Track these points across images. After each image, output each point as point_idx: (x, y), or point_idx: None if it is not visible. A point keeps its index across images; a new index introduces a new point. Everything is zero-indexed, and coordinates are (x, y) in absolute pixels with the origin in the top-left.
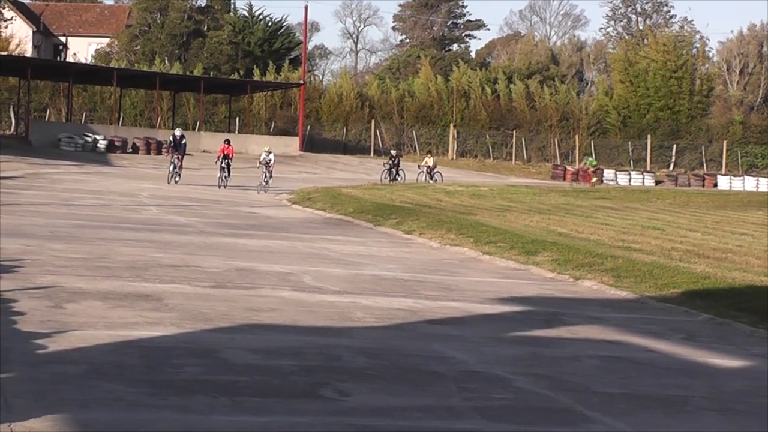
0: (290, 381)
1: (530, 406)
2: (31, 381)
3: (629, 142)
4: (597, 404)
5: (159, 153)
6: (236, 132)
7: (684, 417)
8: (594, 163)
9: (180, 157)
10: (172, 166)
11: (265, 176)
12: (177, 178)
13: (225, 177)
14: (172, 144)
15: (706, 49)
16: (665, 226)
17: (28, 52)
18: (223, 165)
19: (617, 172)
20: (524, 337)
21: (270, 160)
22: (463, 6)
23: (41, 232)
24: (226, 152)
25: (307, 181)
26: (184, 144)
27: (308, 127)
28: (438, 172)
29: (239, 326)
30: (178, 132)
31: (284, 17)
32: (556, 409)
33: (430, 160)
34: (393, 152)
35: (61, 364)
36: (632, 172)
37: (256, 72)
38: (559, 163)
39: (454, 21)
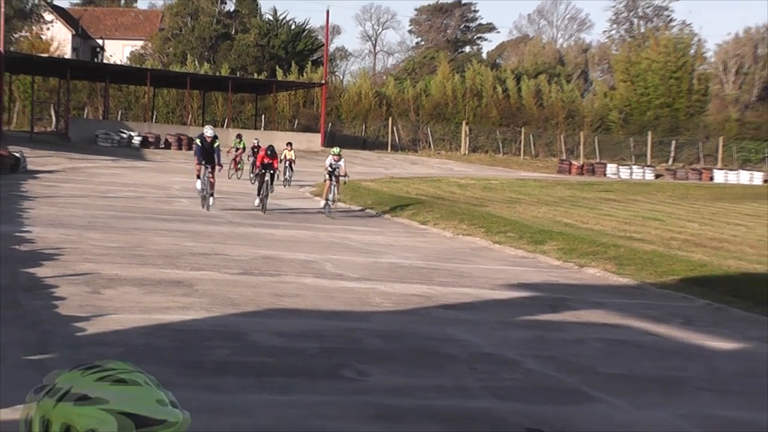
0: (313, 362)
1: (538, 386)
2: (72, 362)
3: (631, 138)
4: (601, 384)
5: (189, 148)
6: (262, 129)
7: (682, 397)
8: (242, 145)
9: (212, 168)
10: (202, 185)
11: (333, 192)
12: (212, 200)
13: (265, 200)
14: (199, 149)
15: (703, 50)
16: (665, 217)
17: (68, 54)
18: (265, 185)
19: (619, 167)
20: (532, 321)
21: (340, 166)
22: (475, 10)
23: (80, 223)
24: (268, 163)
25: None
26: (218, 148)
27: (329, 124)
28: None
29: (265, 311)
30: (208, 131)
31: (307, 21)
32: (563, 389)
33: (291, 153)
34: (255, 140)
35: (100, 346)
36: (633, 167)
37: (280, 73)
38: (565, 158)
39: (467, 24)
